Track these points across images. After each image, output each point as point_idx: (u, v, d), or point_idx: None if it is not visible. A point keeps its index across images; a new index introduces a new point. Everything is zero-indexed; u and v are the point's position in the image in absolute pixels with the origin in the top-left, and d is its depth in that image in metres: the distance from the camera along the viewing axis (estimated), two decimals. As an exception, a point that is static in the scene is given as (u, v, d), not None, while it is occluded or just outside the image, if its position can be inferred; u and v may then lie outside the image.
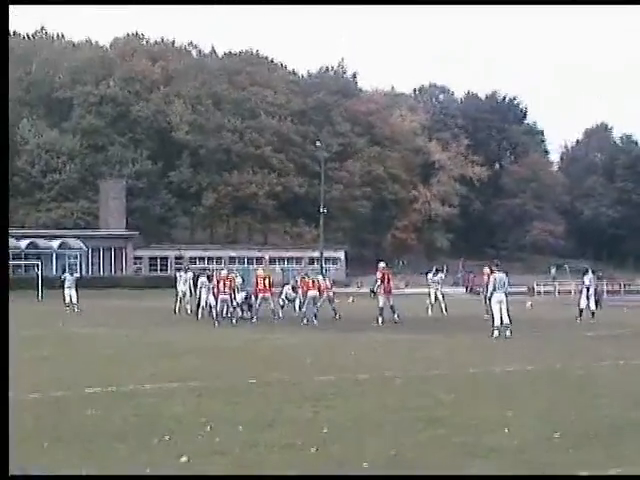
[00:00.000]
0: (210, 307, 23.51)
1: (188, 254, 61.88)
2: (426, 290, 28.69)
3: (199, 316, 24.30)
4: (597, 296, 26.71)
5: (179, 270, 29.95)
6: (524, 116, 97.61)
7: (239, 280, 24.41)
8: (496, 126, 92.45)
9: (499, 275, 18.41)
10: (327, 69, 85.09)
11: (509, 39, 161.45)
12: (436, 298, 27.12)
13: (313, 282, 23.58)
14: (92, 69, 71.14)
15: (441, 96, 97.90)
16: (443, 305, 26.72)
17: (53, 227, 58.62)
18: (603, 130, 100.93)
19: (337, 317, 23.89)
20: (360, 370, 11.57)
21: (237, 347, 15.73)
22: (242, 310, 23.90)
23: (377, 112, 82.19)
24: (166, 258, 62.43)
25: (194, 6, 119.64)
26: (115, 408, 8.44)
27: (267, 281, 23.21)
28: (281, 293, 26.19)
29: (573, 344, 16.50)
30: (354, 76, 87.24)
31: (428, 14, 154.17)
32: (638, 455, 6.48)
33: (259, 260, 58.84)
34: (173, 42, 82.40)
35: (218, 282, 22.58)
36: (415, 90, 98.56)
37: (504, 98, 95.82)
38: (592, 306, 24.40)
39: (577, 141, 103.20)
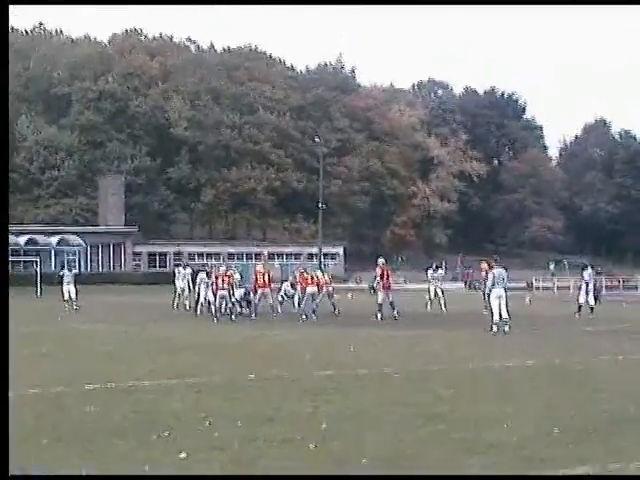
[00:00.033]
0: (209, 303, 23.51)
1: (187, 250, 61.90)
2: (425, 286, 28.71)
3: (198, 312, 24.31)
4: (596, 291, 26.75)
5: (178, 266, 29.88)
6: (523, 111, 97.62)
7: (237, 276, 24.40)
8: (495, 122, 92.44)
9: (498, 270, 18.39)
10: (326, 65, 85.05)
11: (509, 39, 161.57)
12: (436, 294, 27.10)
13: (312, 278, 23.57)
14: (90, 65, 71.09)
15: (440, 91, 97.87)
16: (442, 301, 26.71)
17: (52, 223, 58.62)
18: (602, 125, 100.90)
19: (336, 312, 23.88)
20: (359, 366, 11.57)
21: (236, 343, 15.72)
22: (241, 306, 23.89)
23: (376, 107, 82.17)
24: (165, 254, 62.47)
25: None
26: (114, 404, 8.43)
27: (266, 277, 23.20)
28: (280, 289, 26.18)
29: (572, 339, 16.51)
30: (353, 71, 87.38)
31: (428, 13, 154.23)
32: (637, 450, 6.48)
33: (258, 256, 58.90)
34: (171, 38, 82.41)
35: (217, 278, 22.58)
36: (414, 85, 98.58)
37: (503, 94, 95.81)
38: (591, 301, 24.44)
39: (576, 136, 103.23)
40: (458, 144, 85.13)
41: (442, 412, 8.01)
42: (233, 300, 22.96)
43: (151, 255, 62.50)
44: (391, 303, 22.27)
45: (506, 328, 17.50)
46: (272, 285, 23.81)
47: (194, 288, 25.83)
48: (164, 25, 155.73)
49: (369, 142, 78.89)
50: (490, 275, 18.69)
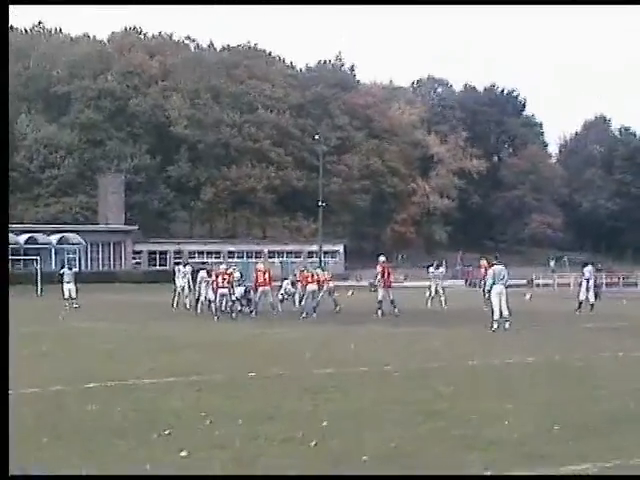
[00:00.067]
0: (209, 302, 23.53)
1: (187, 248, 61.92)
2: (426, 283, 28.74)
3: (198, 311, 24.33)
4: (596, 288, 26.75)
5: (178, 264, 29.90)
6: (523, 108, 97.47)
7: (237, 275, 24.40)
8: (494, 118, 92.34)
9: (498, 267, 18.41)
10: (325, 62, 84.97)
11: (509, 39, 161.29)
12: (436, 291, 27.15)
13: (312, 276, 23.60)
14: (90, 63, 71.06)
15: (439, 89, 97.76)
16: (443, 299, 26.75)
17: (52, 222, 58.61)
18: (602, 122, 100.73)
19: (337, 309, 23.91)
20: (359, 363, 11.58)
21: (236, 341, 15.72)
22: (241, 305, 23.89)
23: (375, 105, 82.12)
24: (165, 252, 62.48)
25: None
26: (114, 403, 8.43)
27: (267, 275, 23.20)
28: (280, 287, 26.19)
29: (572, 336, 16.50)
30: (352, 69, 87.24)
31: (428, 12, 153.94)
32: (637, 447, 6.48)
33: (258, 254, 58.89)
34: (171, 36, 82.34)
35: (217, 276, 22.60)
36: (413, 83, 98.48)
37: (502, 90, 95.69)
38: (591, 298, 24.45)
39: (576, 133, 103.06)
40: (458, 141, 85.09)
41: (442, 409, 8.01)
42: (233, 298, 22.98)
43: (151, 253, 62.51)
44: (392, 301, 22.30)
45: (506, 325, 17.51)
46: (272, 283, 23.83)
47: (194, 286, 25.86)
48: (163, 24, 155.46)
49: (369, 140, 78.84)
50: (490, 272, 18.71)
